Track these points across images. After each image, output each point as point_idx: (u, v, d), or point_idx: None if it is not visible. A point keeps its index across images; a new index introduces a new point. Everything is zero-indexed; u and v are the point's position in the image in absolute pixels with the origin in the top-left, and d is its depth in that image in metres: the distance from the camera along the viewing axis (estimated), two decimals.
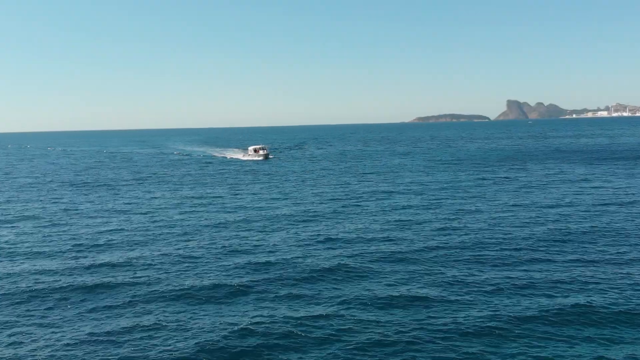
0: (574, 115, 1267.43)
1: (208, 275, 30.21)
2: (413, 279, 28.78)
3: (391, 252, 33.98)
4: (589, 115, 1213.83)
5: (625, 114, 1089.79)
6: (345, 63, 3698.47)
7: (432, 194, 57.59)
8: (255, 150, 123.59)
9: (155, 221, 46.19)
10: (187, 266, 32.04)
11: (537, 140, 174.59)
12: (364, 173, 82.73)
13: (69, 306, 26.17)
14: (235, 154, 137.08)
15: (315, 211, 49.03)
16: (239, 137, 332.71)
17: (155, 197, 60.83)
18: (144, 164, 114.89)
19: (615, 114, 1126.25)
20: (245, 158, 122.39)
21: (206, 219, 46.44)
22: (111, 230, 42.86)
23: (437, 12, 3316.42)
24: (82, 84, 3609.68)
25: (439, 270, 30.15)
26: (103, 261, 33.61)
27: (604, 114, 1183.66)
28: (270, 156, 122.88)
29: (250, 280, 28.94)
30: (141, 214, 50.12)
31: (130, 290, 28.10)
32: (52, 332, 23.22)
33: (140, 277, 30.20)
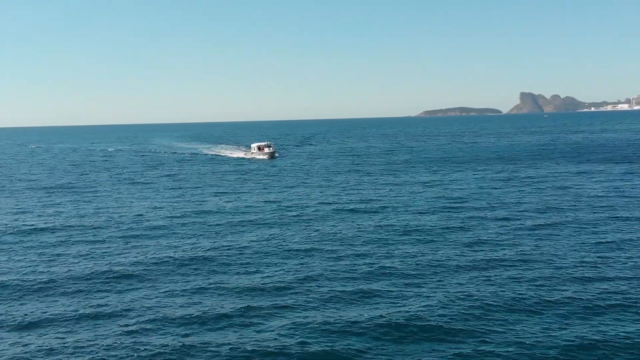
0: (593, 109, 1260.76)
1: (208, 307, 23.60)
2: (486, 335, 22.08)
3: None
4: (609, 108, 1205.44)
5: None
6: (348, 54, 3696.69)
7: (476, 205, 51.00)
8: (260, 148, 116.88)
9: (133, 237, 39.80)
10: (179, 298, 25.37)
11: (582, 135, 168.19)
12: (377, 174, 76.26)
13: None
14: (235, 152, 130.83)
15: (339, 231, 42.40)
16: (237, 132, 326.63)
17: (137, 205, 53.96)
18: (123, 164, 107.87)
19: (636, 107, 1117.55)
20: (248, 157, 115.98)
21: (203, 236, 39.76)
22: (81, 247, 36.18)
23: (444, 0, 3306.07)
24: (60, 76, 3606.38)
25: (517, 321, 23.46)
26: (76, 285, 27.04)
27: (625, 107, 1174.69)
28: (277, 155, 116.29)
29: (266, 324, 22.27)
30: (116, 226, 43.49)
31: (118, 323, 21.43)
32: None
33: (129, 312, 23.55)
